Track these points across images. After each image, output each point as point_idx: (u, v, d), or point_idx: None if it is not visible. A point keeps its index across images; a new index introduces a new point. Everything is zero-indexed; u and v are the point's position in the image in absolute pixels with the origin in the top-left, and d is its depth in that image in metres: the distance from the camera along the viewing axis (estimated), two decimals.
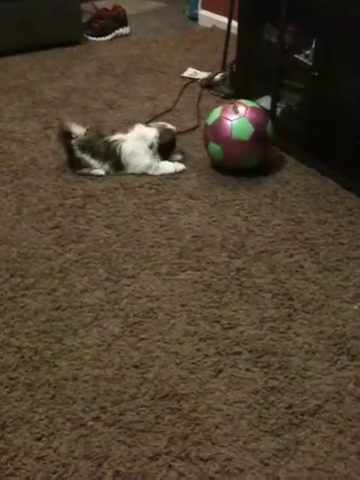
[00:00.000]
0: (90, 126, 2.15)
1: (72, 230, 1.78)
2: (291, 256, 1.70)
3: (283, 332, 1.44)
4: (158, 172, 2.05)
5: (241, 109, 2.02)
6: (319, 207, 1.92)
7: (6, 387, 1.27)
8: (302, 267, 1.65)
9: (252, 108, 2.04)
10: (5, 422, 1.20)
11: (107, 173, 2.04)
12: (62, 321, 1.45)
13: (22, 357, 1.34)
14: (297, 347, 1.40)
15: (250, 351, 1.38)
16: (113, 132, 2.12)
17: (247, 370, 1.33)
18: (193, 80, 2.81)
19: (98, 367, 1.33)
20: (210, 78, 2.74)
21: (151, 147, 2.02)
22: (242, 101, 2.06)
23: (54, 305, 1.50)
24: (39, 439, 1.17)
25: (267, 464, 1.14)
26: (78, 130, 2.05)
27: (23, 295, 1.52)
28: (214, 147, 2.05)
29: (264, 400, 1.26)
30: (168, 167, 2.06)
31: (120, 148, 2.02)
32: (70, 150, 2.04)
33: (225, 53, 2.73)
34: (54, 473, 1.11)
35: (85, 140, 2.04)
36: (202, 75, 2.82)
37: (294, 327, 1.45)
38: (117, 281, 1.58)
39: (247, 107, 2.02)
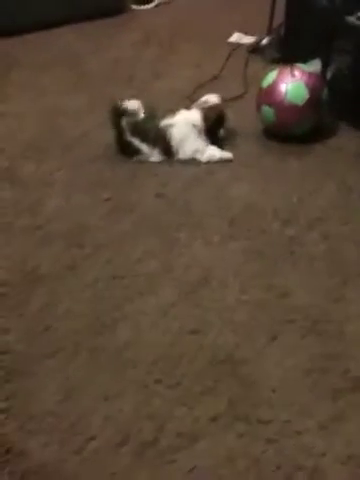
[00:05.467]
0: (141, 103, 2.01)
1: (124, 201, 1.82)
2: (344, 224, 1.68)
3: (338, 299, 1.44)
4: (204, 158, 1.96)
5: (298, 73, 1.99)
6: None
7: (72, 351, 1.34)
8: (356, 235, 1.64)
9: (309, 73, 2.01)
10: (72, 384, 1.27)
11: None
12: (120, 289, 1.50)
13: (84, 323, 1.41)
14: (352, 314, 1.40)
15: (304, 318, 1.40)
16: (164, 113, 1.99)
17: (302, 337, 1.35)
18: (239, 45, 2.76)
19: (156, 333, 1.38)
20: (257, 42, 2.67)
21: (199, 132, 1.95)
22: (300, 65, 2.03)
23: (112, 274, 1.55)
24: (106, 400, 1.23)
25: (324, 427, 1.17)
26: (132, 106, 1.95)
27: (82, 265, 1.58)
28: (267, 110, 2.02)
29: (320, 366, 1.29)
30: (214, 155, 1.96)
31: (170, 134, 1.94)
32: (120, 132, 1.94)
33: (272, 15, 2.65)
34: (120, 432, 1.18)
35: (136, 122, 1.94)
36: (248, 40, 2.76)
37: (349, 294, 1.46)
38: (170, 251, 1.62)
39: (304, 72, 2.00)
